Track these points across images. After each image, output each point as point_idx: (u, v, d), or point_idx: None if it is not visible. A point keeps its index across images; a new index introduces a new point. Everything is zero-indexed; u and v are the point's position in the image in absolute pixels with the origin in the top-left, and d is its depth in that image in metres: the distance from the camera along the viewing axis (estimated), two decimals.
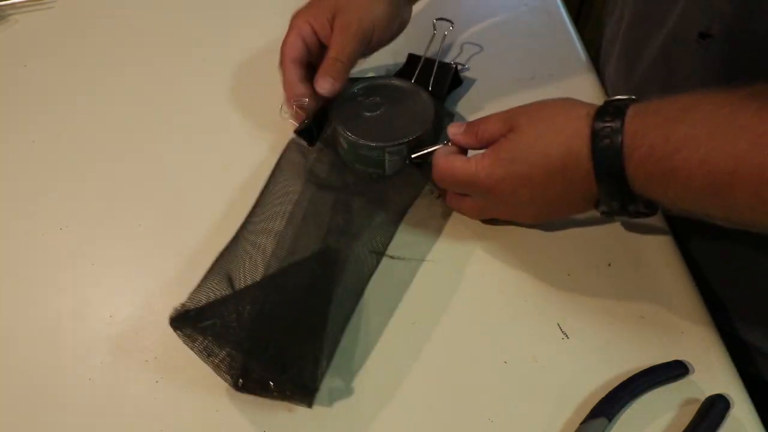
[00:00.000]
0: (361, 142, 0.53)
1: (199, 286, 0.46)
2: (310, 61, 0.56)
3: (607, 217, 0.45)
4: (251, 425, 0.44)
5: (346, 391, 0.45)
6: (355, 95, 0.57)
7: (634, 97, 0.43)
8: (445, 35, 0.60)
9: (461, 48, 0.68)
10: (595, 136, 0.41)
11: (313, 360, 0.44)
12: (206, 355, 0.44)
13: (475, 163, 0.47)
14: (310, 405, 0.44)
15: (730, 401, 0.43)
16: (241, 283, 0.47)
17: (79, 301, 0.50)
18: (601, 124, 0.41)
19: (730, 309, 0.54)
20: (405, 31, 0.61)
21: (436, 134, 0.57)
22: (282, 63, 0.55)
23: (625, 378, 0.44)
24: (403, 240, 0.53)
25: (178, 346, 0.47)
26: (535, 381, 0.45)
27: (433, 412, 0.44)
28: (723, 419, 0.42)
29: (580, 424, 0.42)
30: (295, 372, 0.43)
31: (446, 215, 0.54)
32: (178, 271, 0.51)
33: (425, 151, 0.53)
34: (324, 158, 0.57)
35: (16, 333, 0.49)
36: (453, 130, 0.51)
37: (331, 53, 0.54)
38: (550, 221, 0.52)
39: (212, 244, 0.53)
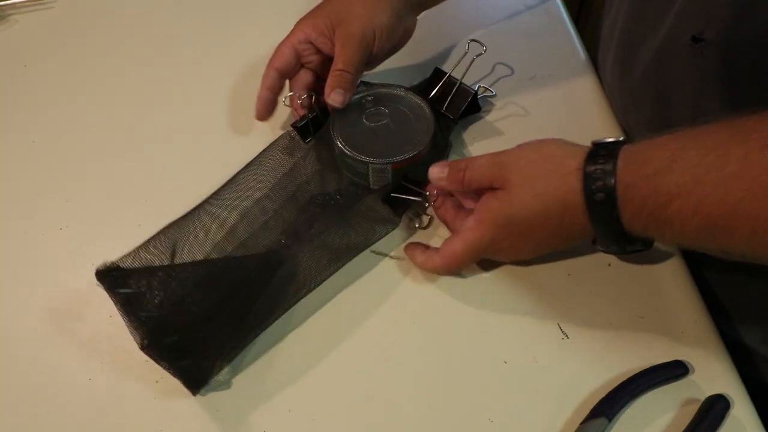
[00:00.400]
0: (348, 151, 0.53)
1: (138, 249, 0.48)
2: (299, 65, 0.58)
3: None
4: (251, 425, 0.44)
5: (346, 391, 0.45)
6: (362, 101, 0.56)
7: (622, 138, 0.43)
8: (474, 59, 0.59)
9: (463, 46, 0.68)
10: (588, 191, 0.41)
11: (211, 357, 0.45)
12: (124, 312, 0.44)
13: (471, 234, 0.47)
14: (194, 393, 0.45)
15: (730, 401, 0.43)
16: (179, 257, 0.48)
17: (79, 301, 0.50)
18: (592, 182, 0.41)
19: (730, 311, 0.54)
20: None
21: (429, 159, 0.54)
22: (267, 66, 0.57)
23: (625, 378, 0.44)
24: (403, 240, 0.53)
25: None
26: (535, 381, 0.45)
27: (433, 412, 0.44)
28: (723, 419, 0.42)
29: (580, 424, 0.42)
30: (190, 363, 0.44)
31: None
32: None
33: (403, 197, 0.53)
34: (310, 160, 0.56)
35: (16, 333, 0.49)
36: (436, 173, 0.49)
37: (338, 65, 0.54)
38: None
39: None
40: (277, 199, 0.53)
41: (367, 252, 0.52)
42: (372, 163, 0.52)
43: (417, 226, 0.54)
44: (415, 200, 0.53)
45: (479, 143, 0.60)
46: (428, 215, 0.54)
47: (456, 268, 0.50)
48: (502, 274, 0.51)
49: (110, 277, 0.45)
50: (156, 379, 0.46)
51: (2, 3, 0.73)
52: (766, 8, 0.43)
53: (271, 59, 0.57)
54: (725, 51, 0.47)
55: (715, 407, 0.42)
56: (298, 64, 0.58)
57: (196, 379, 0.45)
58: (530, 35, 0.69)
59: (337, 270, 0.50)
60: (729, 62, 0.47)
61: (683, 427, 0.42)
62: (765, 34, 0.44)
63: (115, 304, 0.44)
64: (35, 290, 0.51)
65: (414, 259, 0.51)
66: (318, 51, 0.57)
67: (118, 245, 0.53)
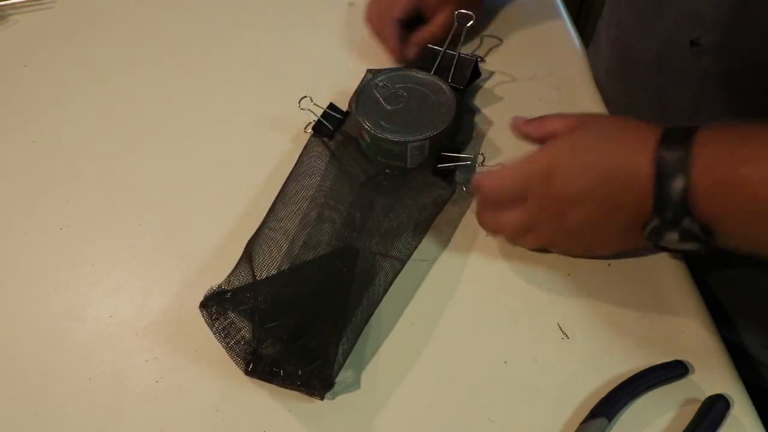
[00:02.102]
0: (384, 136, 0.53)
1: (233, 271, 0.47)
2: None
3: (654, 243, 0.43)
4: (251, 425, 0.44)
5: (346, 391, 0.45)
6: (377, 86, 0.57)
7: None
8: (466, 28, 0.60)
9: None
10: (664, 136, 0.41)
11: (334, 353, 0.45)
12: (222, 336, 0.45)
13: (530, 157, 0.46)
14: (322, 397, 0.44)
15: (730, 401, 0.43)
16: (263, 270, 0.48)
17: (79, 301, 0.50)
18: (671, 135, 0.41)
19: (731, 315, 0.54)
20: None
21: (458, 129, 0.57)
22: (385, 21, 0.63)
23: (625, 378, 0.44)
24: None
25: (178, 345, 0.47)
26: (535, 381, 0.45)
27: (433, 411, 0.44)
28: (723, 419, 0.42)
29: (580, 424, 0.42)
30: (321, 364, 0.44)
31: (446, 215, 0.54)
32: (178, 270, 0.51)
33: (452, 164, 0.54)
34: (345, 150, 0.57)
35: (17, 333, 0.49)
36: (517, 121, 0.51)
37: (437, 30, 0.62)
38: (592, 251, 0.50)
39: (212, 243, 0.53)
40: (331, 199, 0.54)
41: (386, 257, 0.52)
42: (411, 142, 0.53)
43: (465, 190, 0.55)
44: (463, 164, 0.54)
45: (478, 143, 0.60)
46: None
47: (496, 190, 0.48)
48: (502, 273, 0.51)
49: (219, 300, 0.45)
50: (156, 380, 0.46)
51: (2, 3, 0.73)
52: (758, 15, 0.43)
53: (391, 9, 0.62)
54: (722, 55, 0.47)
55: (715, 407, 0.42)
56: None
57: (323, 384, 0.44)
58: (530, 35, 0.69)
59: (414, 249, 0.51)
60: (726, 66, 0.47)
61: (683, 427, 0.42)
62: (759, 40, 0.44)
63: (215, 330, 0.45)
64: (35, 290, 0.51)
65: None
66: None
67: (118, 245, 0.53)
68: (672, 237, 0.41)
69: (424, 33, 0.63)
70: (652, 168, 0.40)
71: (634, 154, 0.42)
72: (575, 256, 0.50)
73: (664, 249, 0.44)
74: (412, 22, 0.64)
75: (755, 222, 0.38)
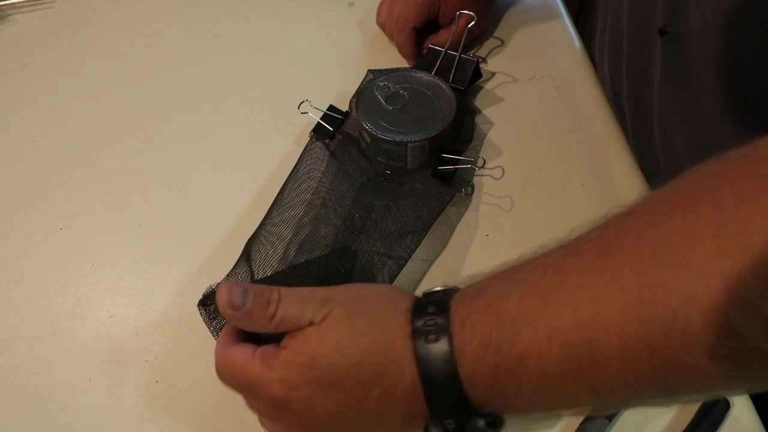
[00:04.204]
0: (384, 136, 0.53)
1: (233, 270, 0.47)
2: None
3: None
4: (251, 425, 0.44)
5: None
6: (378, 87, 0.57)
7: (456, 286, 0.36)
8: (467, 29, 0.60)
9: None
10: (416, 333, 0.33)
11: None
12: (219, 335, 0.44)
13: (260, 361, 0.35)
14: None
15: (730, 401, 0.43)
16: (262, 270, 0.48)
17: (79, 301, 0.50)
18: (422, 320, 0.33)
19: None
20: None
21: (458, 129, 0.58)
22: (401, 29, 0.63)
23: None
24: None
25: (178, 345, 0.47)
26: None
27: None
28: (723, 419, 0.42)
29: (580, 424, 0.42)
30: None
31: (445, 216, 0.54)
32: (178, 270, 0.51)
33: (452, 167, 0.54)
34: (345, 151, 0.57)
35: (16, 333, 0.49)
36: (233, 298, 0.35)
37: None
38: None
39: (212, 243, 0.53)
40: (330, 199, 0.54)
41: (385, 258, 0.51)
42: (411, 142, 0.53)
43: (463, 192, 0.55)
44: (464, 167, 0.54)
45: (479, 143, 0.60)
46: (472, 184, 0.55)
47: (221, 373, 0.38)
48: None
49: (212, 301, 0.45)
50: (156, 380, 0.46)
51: (2, 3, 0.73)
52: (710, 7, 0.43)
53: (407, 18, 0.62)
54: (682, 46, 0.47)
55: (715, 407, 0.42)
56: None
57: None
58: (530, 35, 0.69)
59: (413, 250, 0.50)
60: (687, 58, 0.47)
61: (683, 427, 0.42)
62: (710, 32, 0.44)
63: (212, 328, 0.44)
64: (35, 290, 0.51)
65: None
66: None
67: (118, 245, 0.53)
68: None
69: (440, 40, 0.63)
70: (416, 371, 0.33)
71: (390, 361, 0.33)
72: None
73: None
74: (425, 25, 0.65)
75: (558, 392, 0.31)
